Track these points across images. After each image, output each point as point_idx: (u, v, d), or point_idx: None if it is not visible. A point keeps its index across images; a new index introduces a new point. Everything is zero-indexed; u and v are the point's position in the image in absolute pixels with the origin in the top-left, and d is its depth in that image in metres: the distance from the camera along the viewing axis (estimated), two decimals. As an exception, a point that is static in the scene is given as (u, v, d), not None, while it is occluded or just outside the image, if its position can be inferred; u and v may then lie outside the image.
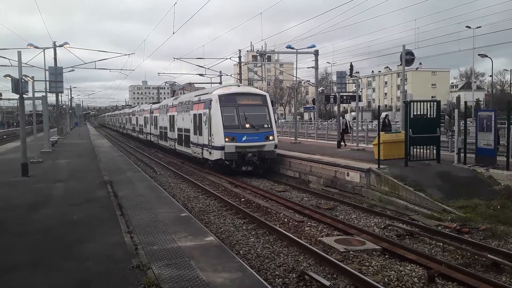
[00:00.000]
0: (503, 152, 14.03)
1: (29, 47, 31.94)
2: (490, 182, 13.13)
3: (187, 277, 6.11)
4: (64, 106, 66.49)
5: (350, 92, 27.77)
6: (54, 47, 35.75)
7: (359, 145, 21.87)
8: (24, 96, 16.97)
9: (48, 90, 27.71)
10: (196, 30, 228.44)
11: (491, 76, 68.43)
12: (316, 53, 37.99)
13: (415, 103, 15.44)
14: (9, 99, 55.27)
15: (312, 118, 48.47)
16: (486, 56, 53.80)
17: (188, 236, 8.17)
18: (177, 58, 38.42)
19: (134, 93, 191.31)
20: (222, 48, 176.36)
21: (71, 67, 39.18)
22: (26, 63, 28.39)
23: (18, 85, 15.77)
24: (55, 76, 22.11)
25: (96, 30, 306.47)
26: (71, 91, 73.37)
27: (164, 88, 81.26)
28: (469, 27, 48.70)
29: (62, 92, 34.20)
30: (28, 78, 26.02)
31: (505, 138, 14.25)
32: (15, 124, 77.40)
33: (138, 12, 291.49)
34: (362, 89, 27.79)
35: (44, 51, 33.73)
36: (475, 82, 67.64)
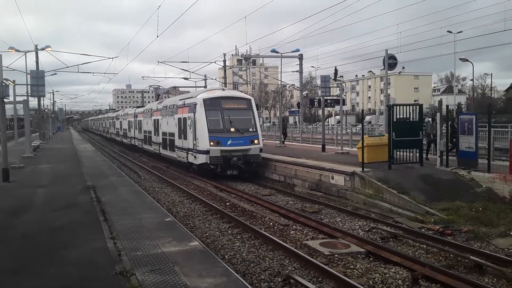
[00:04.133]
0: (484, 154, 14.26)
1: (10, 50, 31.46)
2: (472, 185, 13.33)
3: (171, 283, 6.06)
4: (46, 110, 65.60)
5: (334, 96, 27.94)
6: (36, 50, 35.25)
7: (343, 148, 22.00)
8: (5, 100, 16.67)
9: (29, 94, 27.30)
10: (188, 33, 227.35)
11: (472, 80, 69.59)
12: (300, 57, 38.23)
13: (398, 107, 15.62)
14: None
15: (297, 122, 48.70)
16: (467, 60, 54.71)
17: (172, 241, 8.10)
18: (161, 62, 38.21)
19: (118, 97, 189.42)
20: (211, 51, 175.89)
21: (53, 70, 38.69)
22: (7, 67, 27.96)
23: (-1, 89, 15.49)
24: (37, 80, 21.78)
25: (88, 33, 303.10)
26: (53, 95, 72.38)
27: (149, 92, 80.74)
28: (450, 32, 49.49)
29: (44, 96, 33.68)
30: (9, 81, 25.57)
31: (485, 141, 14.49)
32: (-5, 128, 75.98)
33: (131, 14, 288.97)
34: (346, 93, 28.00)
35: (25, 54, 33.26)
36: (456, 86, 68.76)
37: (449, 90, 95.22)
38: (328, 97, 24.45)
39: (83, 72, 36.57)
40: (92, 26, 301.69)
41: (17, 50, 32.14)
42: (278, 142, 28.72)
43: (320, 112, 36.82)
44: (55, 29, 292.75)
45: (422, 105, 16.45)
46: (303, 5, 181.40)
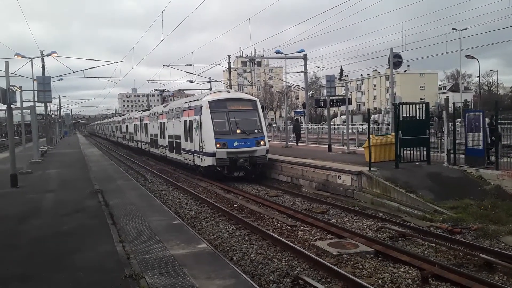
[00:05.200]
0: (492, 152, 14.15)
1: (16, 57, 31.69)
2: (480, 182, 13.24)
3: (180, 285, 6.07)
4: (53, 116, 66.00)
5: (340, 95, 27.88)
6: (42, 56, 35.48)
7: (350, 148, 21.94)
8: (12, 106, 16.79)
9: (36, 100, 27.50)
10: (193, 36, 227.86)
11: (478, 77, 69.15)
12: (305, 58, 38.07)
13: (404, 105, 15.56)
14: (-4, 110, 54.78)
15: (303, 122, 48.69)
16: (473, 57, 54.38)
17: (180, 243, 8.12)
18: (166, 65, 38.24)
19: (123, 100, 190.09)
20: (215, 53, 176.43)
21: (60, 76, 38.96)
22: (13, 73, 28.16)
23: (6, 96, 15.61)
24: (44, 86, 21.93)
25: (93, 38, 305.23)
26: (60, 100, 72.79)
27: (154, 95, 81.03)
28: (455, 29, 49.23)
29: (51, 101, 33.94)
30: (16, 88, 25.78)
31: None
32: (3, 134, 76.56)
33: (136, 19, 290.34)
34: (351, 92, 27.93)
35: (31, 60, 33.47)
36: (462, 83, 68.34)
37: (455, 88, 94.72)
38: (334, 97, 24.40)
39: (89, 77, 36.96)
40: (97, 31, 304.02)
41: (23, 57, 32.37)
42: (284, 143, 28.70)
43: (325, 112, 36.79)
44: (61, 35, 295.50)
45: (428, 103, 16.38)
46: (307, 6, 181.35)
